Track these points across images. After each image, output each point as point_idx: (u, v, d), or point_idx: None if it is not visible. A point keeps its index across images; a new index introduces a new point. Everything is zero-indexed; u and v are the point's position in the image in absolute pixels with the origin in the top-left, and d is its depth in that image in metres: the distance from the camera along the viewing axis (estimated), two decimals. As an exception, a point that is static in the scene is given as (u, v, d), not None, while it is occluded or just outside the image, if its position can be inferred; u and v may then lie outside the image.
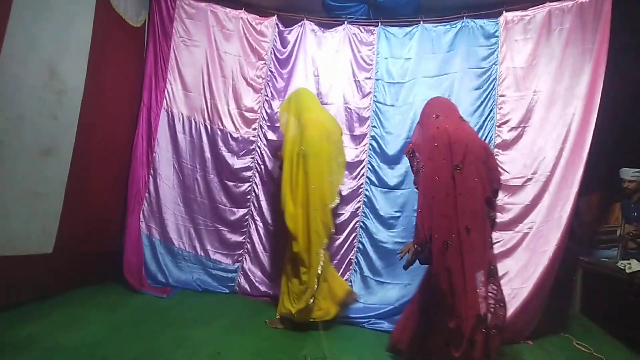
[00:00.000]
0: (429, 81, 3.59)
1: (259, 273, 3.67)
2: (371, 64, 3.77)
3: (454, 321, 2.05)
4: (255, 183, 3.77)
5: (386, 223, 3.53)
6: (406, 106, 3.59)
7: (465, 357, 2.03)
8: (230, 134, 3.79)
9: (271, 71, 3.89)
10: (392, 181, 3.57)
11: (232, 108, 3.82)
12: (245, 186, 3.77)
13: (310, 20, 3.91)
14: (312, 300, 2.88)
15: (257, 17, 3.93)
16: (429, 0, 3.71)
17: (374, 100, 3.71)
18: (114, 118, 3.44)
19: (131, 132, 3.65)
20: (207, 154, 3.79)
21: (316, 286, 2.88)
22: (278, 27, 3.92)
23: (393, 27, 3.78)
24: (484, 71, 3.46)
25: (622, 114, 3.61)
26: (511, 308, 2.85)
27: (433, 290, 2.15)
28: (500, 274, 3.02)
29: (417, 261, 2.25)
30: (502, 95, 3.37)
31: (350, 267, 3.56)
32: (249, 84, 3.86)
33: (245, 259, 3.72)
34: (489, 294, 2.12)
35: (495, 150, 3.31)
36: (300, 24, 3.91)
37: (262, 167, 3.79)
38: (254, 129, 3.82)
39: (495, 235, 3.17)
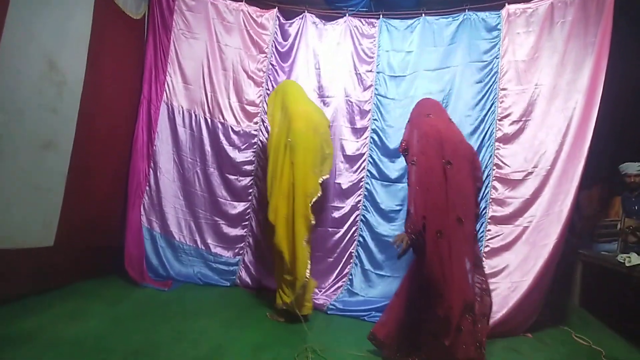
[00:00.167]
0: (430, 74, 3.58)
1: (260, 266, 3.68)
2: (372, 57, 3.76)
3: (443, 309, 2.11)
4: (257, 176, 3.77)
5: (387, 216, 3.54)
6: (407, 99, 3.57)
7: (455, 345, 2.09)
8: (232, 128, 3.79)
9: (272, 64, 3.88)
10: (393, 174, 3.57)
11: (233, 101, 3.81)
12: (247, 180, 3.77)
13: (312, 13, 3.89)
14: (301, 291, 2.85)
15: (258, 9, 3.91)
16: (430, -7, 3.70)
17: (375, 93, 3.70)
18: (114, 111, 3.43)
19: (131, 125, 3.64)
20: (207, 148, 3.78)
21: (306, 278, 2.84)
22: (279, 20, 3.90)
23: (394, 19, 3.76)
24: (485, 64, 3.44)
25: (624, 108, 3.60)
26: (511, 301, 2.88)
27: (423, 279, 2.21)
28: (500, 267, 3.08)
29: (412, 250, 2.30)
30: (503, 89, 3.36)
31: (351, 261, 3.57)
32: (250, 77, 3.85)
33: (247, 252, 3.73)
34: (476, 283, 2.26)
35: (496, 143, 3.31)
36: (301, 16, 3.89)
37: (264, 160, 3.78)
38: (256, 123, 3.81)
39: (496, 228, 3.22)
